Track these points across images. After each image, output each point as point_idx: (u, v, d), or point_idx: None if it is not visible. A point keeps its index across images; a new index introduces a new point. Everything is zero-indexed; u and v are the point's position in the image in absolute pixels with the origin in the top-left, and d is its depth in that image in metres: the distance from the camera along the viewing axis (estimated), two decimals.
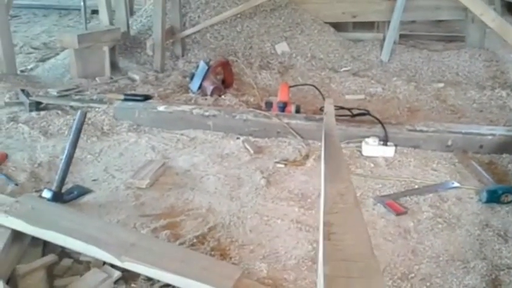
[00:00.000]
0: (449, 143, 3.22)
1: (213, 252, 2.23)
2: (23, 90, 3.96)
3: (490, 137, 3.21)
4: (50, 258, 2.09)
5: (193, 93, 4.14)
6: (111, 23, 5.11)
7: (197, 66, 4.29)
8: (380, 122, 3.34)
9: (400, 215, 2.53)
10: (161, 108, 3.62)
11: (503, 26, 4.15)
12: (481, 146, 3.20)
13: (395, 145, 3.18)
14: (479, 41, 5.25)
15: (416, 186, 2.83)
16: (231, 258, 2.21)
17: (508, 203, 2.60)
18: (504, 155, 3.14)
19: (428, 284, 2.05)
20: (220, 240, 2.33)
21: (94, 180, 2.89)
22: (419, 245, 2.31)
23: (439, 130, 3.29)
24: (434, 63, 4.97)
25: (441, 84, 4.47)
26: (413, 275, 2.10)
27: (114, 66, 4.75)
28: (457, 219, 2.51)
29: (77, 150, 2.96)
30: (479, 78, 4.65)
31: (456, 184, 2.83)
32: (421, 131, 3.29)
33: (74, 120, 2.81)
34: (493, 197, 2.61)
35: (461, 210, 2.59)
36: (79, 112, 2.71)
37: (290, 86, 3.90)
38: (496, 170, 3.00)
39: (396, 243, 2.33)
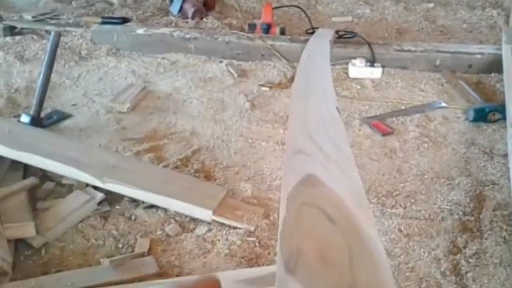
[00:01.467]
0: (438, 63, 3.15)
1: (197, 174, 2.20)
2: None
3: (478, 56, 3.14)
4: (31, 181, 2.06)
5: (174, 16, 3.97)
6: None
7: None
8: (367, 42, 3.24)
9: (386, 135, 2.51)
10: (140, 31, 3.46)
11: None
12: (469, 66, 3.14)
13: (383, 66, 3.10)
14: None
15: (403, 107, 2.79)
16: (215, 179, 2.20)
17: (495, 121, 2.57)
18: (493, 74, 3.07)
19: (412, 200, 2.05)
20: (204, 162, 2.30)
21: (73, 105, 2.80)
22: (404, 164, 2.30)
23: (427, 50, 3.21)
24: None
25: (431, 5, 4.33)
26: (398, 192, 2.11)
27: None
28: (444, 138, 2.49)
29: (55, 75, 2.87)
30: None
31: (443, 104, 2.79)
32: (409, 50, 3.20)
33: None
34: (480, 116, 2.59)
35: (447, 129, 2.57)
36: (52, 32, 2.59)
37: (274, 8, 3.75)
38: (484, 90, 2.95)
39: (382, 162, 2.32)
